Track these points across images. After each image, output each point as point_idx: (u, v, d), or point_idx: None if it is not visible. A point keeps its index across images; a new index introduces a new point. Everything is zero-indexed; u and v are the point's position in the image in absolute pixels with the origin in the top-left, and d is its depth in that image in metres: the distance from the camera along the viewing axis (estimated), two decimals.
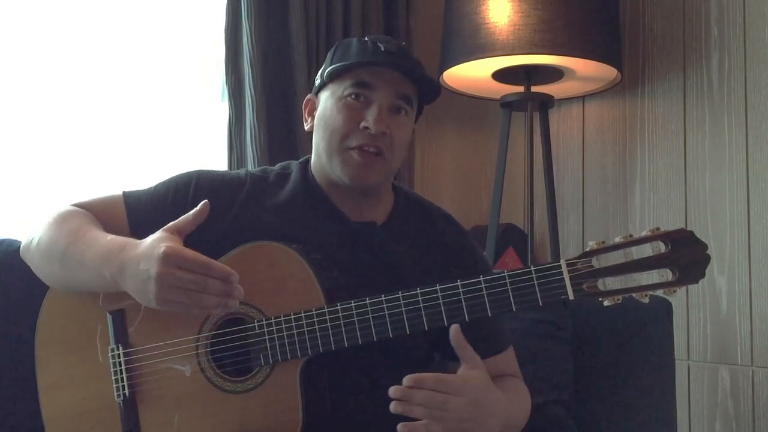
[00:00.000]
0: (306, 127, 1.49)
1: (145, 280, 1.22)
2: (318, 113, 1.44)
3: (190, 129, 2.26)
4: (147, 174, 2.08)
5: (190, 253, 1.21)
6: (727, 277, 2.13)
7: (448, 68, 2.23)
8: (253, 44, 2.14)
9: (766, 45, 2.10)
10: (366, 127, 1.35)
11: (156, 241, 1.24)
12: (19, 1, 2.02)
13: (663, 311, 1.79)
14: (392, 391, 1.22)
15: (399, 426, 1.23)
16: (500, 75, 2.29)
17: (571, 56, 2.12)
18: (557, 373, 1.66)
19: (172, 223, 1.30)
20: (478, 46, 2.13)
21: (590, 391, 1.70)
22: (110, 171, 2.13)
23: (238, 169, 2.15)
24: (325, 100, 1.42)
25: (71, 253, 1.33)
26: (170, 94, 2.23)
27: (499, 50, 2.10)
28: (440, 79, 2.29)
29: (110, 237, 1.32)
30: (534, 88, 2.26)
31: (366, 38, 1.42)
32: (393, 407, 1.23)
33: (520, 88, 2.28)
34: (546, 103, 2.30)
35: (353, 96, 1.37)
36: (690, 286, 2.14)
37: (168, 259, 1.20)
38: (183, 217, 1.32)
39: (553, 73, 2.26)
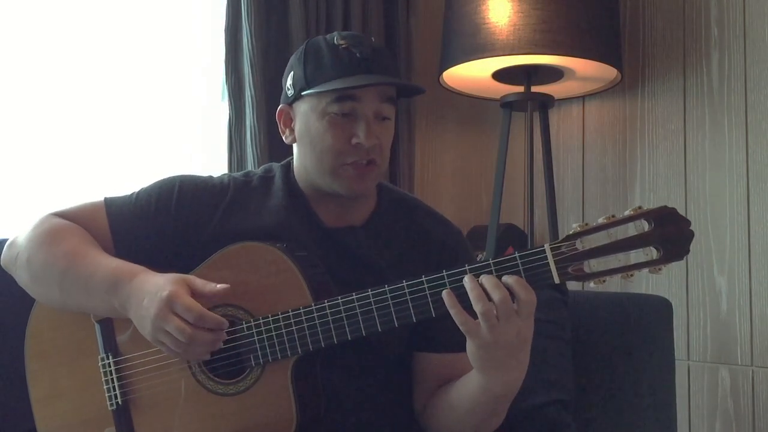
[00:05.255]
0: (286, 141, 1.43)
1: (144, 316, 1.25)
2: (299, 128, 1.39)
3: (190, 129, 2.26)
4: (146, 174, 2.07)
5: (188, 301, 1.23)
6: (727, 277, 2.13)
7: (448, 68, 2.22)
8: (253, 44, 2.14)
9: (766, 45, 2.10)
10: (358, 143, 1.32)
11: (165, 282, 1.25)
12: (18, 1, 2.02)
13: (663, 311, 1.79)
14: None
15: (444, 293, 1.18)
16: (500, 75, 2.29)
17: (571, 56, 2.12)
18: (557, 373, 1.66)
19: (191, 276, 1.28)
20: (478, 46, 2.13)
21: (590, 391, 1.70)
22: (109, 171, 2.12)
23: (237, 169, 2.16)
24: (304, 113, 1.37)
25: (72, 277, 1.33)
26: (170, 94, 2.23)
27: (499, 50, 2.10)
28: (440, 79, 2.29)
29: (116, 262, 1.33)
30: (534, 88, 2.25)
31: (335, 41, 1.34)
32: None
33: (520, 88, 2.27)
34: (546, 103, 2.30)
35: (338, 112, 1.33)
36: (690, 287, 2.19)
37: (168, 301, 1.22)
38: (204, 282, 1.27)
39: (553, 73, 2.26)
